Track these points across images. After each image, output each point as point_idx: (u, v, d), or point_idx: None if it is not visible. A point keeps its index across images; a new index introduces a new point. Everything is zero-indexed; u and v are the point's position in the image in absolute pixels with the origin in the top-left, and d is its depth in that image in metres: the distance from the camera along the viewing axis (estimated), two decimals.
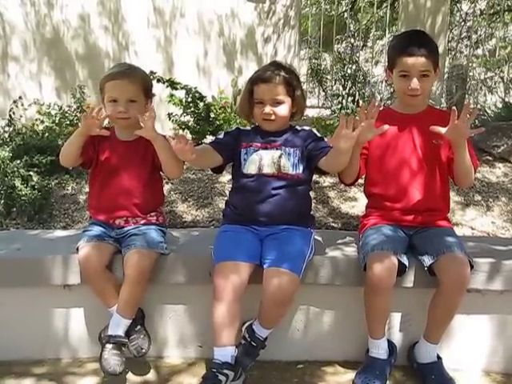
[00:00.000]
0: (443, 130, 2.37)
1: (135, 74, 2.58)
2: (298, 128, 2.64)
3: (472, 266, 2.38)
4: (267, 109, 2.49)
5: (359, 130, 2.27)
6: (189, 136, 5.14)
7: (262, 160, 2.53)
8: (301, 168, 2.54)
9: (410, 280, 2.51)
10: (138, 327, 2.52)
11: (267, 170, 2.52)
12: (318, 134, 2.63)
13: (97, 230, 2.55)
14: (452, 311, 2.42)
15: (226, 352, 2.27)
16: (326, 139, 2.59)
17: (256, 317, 2.43)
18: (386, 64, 2.70)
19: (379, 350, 2.47)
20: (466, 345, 2.64)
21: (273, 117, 2.51)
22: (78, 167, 2.77)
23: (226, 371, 2.23)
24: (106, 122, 2.60)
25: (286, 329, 2.65)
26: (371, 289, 2.38)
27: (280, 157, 2.52)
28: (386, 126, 2.37)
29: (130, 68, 2.63)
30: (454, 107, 2.38)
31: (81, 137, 2.48)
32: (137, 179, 2.60)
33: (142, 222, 2.60)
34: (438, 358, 2.51)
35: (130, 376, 2.53)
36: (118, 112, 2.50)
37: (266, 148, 2.55)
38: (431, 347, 2.49)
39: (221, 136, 2.66)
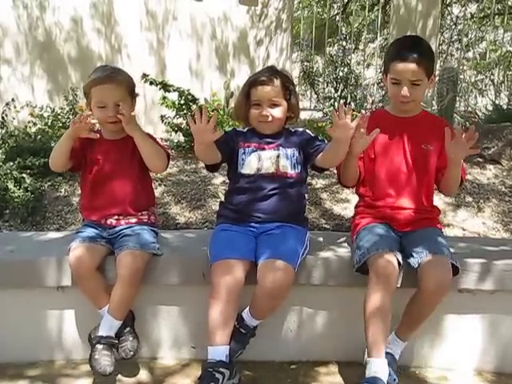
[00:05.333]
0: (448, 143, 2.41)
1: (120, 76, 2.58)
2: (292, 129, 2.68)
3: (457, 268, 2.38)
4: (265, 111, 2.53)
5: (355, 123, 2.30)
6: (181, 138, 5.14)
7: (260, 160, 2.55)
8: (299, 168, 2.59)
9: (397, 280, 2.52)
10: (128, 329, 2.51)
11: (266, 169, 2.54)
12: (313, 134, 2.67)
13: (89, 231, 2.56)
14: (426, 314, 2.41)
15: (220, 351, 2.26)
16: (320, 137, 2.64)
17: (247, 306, 2.44)
18: (383, 67, 2.73)
19: (381, 369, 2.30)
20: (458, 344, 2.66)
21: (270, 118, 2.54)
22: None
23: (222, 369, 2.22)
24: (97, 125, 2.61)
25: (279, 329, 2.67)
26: (377, 289, 2.32)
27: (278, 157, 2.56)
28: (377, 130, 2.39)
29: (113, 71, 2.61)
30: (462, 130, 2.41)
31: (69, 139, 2.49)
32: (127, 177, 2.62)
33: (134, 220, 2.61)
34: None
35: (124, 377, 2.53)
36: (109, 117, 2.52)
37: (263, 149, 2.58)
38: (397, 343, 2.46)
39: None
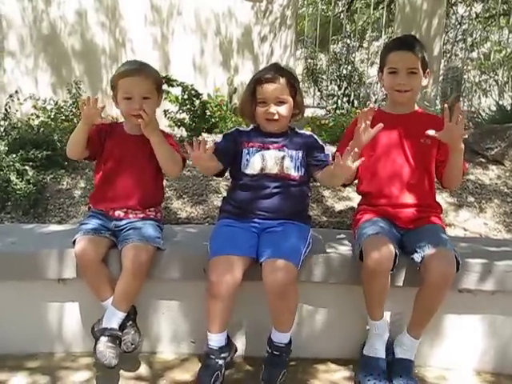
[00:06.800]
0: (438, 134, 2.40)
1: (148, 70, 2.61)
2: (299, 131, 2.67)
3: (458, 263, 2.38)
4: (271, 108, 2.51)
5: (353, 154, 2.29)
6: (184, 133, 5.15)
7: (264, 160, 2.55)
8: (302, 170, 2.58)
9: (400, 279, 2.53)
10: (130, 322, 2.51)
11: (270, 170, 2.54)
12: (320, 141, 2.65)
13: (94, 222, 2.56)
14: (434, 307, 2.43)
15: (220, 337, 2.37)
16: (326, 147, 2.63)
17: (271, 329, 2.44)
18: (379, 65, 2.76)
19: (379, 330, 2.50)
20: (458, 344, 2.66)
21: (276, 116, 2.53)
22: (74, 162, 2.78)
23: (223, 355, 2.37)
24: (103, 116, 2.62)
25: None
26: (369, 273, 2.38)
27: (283, 158, 2.55)
28: (381, 125, 2.39)
29: (142, 65, 2.63)
30: (446, 106, 2.42)
31: (84, 126, 2.50)
32: (142, 173, 2.63)
33: (141, 215, 2.62)
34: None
35: (123, 371, 2.53)
36: (134, 109, 2.53)
37: (268, 148, 2.57)
38: (410, 341, 2.49)
39: (219, 140, 2.66)
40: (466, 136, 2.40)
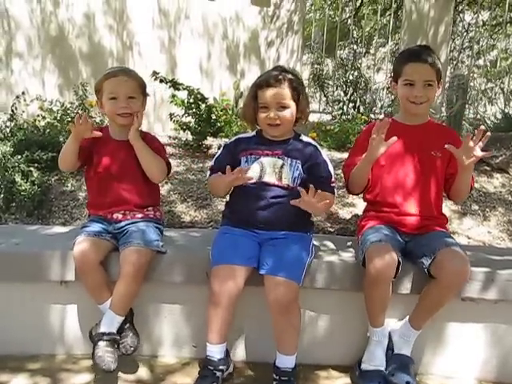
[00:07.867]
0: (454, 150, 2.40)
1: (134, 73, 2.68)
2: (303, 138, 2.61)
3: None
4: (272, 113, 2.46)
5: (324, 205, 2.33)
6: (189, 137, 5.16)
7: (263, 168, 2.50)
8: (299, 182, 2.51)
9: (406, 287, 2.53)
10: (127, 325, 2.51)
11: (268, 178, 2.50)
12: (323, 155, 2.57)
13: (95, 226, 2.57)
14: (442, 304, 2.44)
15: (219, 349, 2.36)
16: (328, 161, 2.58)
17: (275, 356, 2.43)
18: (392, 76, 2.76)
19: (379, 337, 2.50)
20: (460, 353, 2.65)
21: (278, 121, 2.47)
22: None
23: (221, 367, 2.35)
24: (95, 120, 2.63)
25: None
26: (371, 280, 2.38)
27: (282, 167, 2.50)
28: (395, 138, 2.39)
29: (127, 68, 2.73)
30: (470, 133, 2.43)
31: (75, 142, 2.53)
32: (133, 178, 2.64)
33: (140, 215, 2.63)
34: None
35: (124, 374, 2.53)
36: (120, 108, 2.56)
37: (267, 155, 2.53)
38: (410, 332, 2.51)
39: (219, 154, 2.64)
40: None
